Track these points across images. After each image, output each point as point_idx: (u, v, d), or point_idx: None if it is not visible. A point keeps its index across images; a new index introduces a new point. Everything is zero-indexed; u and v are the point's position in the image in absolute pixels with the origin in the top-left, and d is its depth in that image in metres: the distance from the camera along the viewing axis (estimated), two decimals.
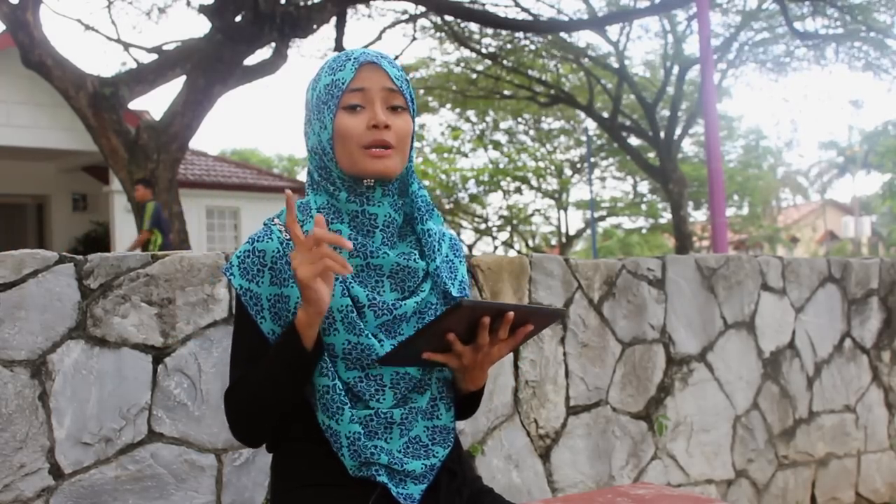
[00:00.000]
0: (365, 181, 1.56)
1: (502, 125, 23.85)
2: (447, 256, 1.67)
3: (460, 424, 2.80)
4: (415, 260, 1.59)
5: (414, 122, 1.62)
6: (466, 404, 1.69)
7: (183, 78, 8.44)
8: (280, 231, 1.58)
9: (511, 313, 1.49)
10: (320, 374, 1.54)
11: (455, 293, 1.63)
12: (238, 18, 8.39)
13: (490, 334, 1.50)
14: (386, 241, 1.58)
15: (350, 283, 1.54)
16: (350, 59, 1.57)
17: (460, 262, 1.69)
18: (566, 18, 14.71)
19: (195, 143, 13.51)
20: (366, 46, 12.44)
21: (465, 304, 1.43)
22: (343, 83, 1.55)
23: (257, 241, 1.58)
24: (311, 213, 1.59)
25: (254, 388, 1.55)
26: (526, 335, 1.55)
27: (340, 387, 1.54)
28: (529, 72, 17.68)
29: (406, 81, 1.60)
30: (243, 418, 1.59)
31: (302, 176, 29.33)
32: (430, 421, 1.61)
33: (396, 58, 14.36)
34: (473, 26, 15.16)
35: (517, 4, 13.86)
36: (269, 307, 1.56)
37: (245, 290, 1.56)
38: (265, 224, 1.61)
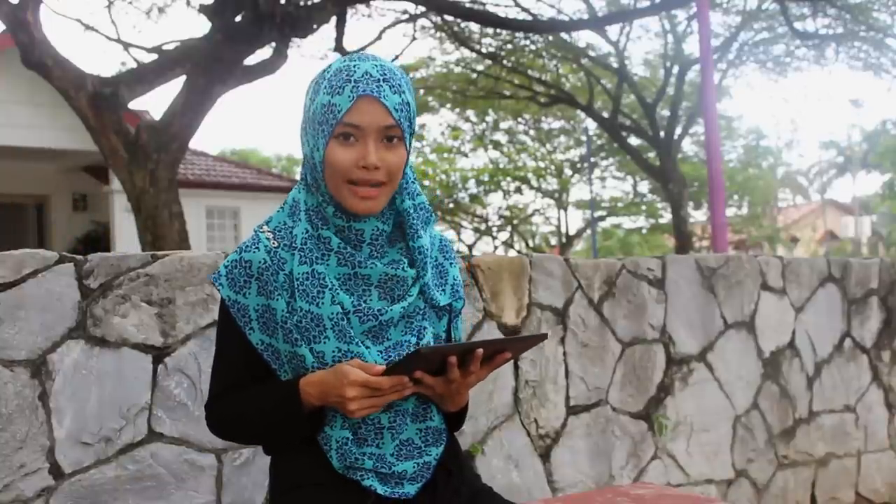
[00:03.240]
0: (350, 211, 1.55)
1: (502, 125, 23.81)
2: (436, 261, 1.66)
3: None
4: (403, 268, 1.58)
5: (410, 146, 1.57)
6: (450, 420, 1.68)
7: (183, 78, 8.43)
8: (268, 239, 1.57)
9: (480, 350, 1.48)
10: None
11: (443, 302, 1.62)
12: (238, 18, 8.38)
13: (460, 368, 1.50)
14: (374, 254, 1.57)
15: (336, 290, 1.53)
16: (350, 83, 1.50)
17: (451, 264, 1.68)
18: (566, 18, 14.68)
19: (195, 143, 13.49)
20: (365, 47, 12.39)
21: (423, 351, 1.44)
22: (339, 111, 1.49)
23: (245, 250, 1.57)
24: (300, 215, 1.58)
25: (244, 418, 1.59)
26: (504, 361, 1.54)
27: None
28: (529, 72, 17.66)
29: (406, 106, 1.53)
30: (228, 432, 1.66)
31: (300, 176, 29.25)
32: (422, 423, 1.61)
33: (396, 57, 14.35)
34: (473, 26, 15.13)
35: (517, 4, 13.84)
36: (257, 318, 1.56)
37: (233, 301, 1.56)
38: (254, 231, 1.60)
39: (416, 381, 1.50)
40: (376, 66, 1.52)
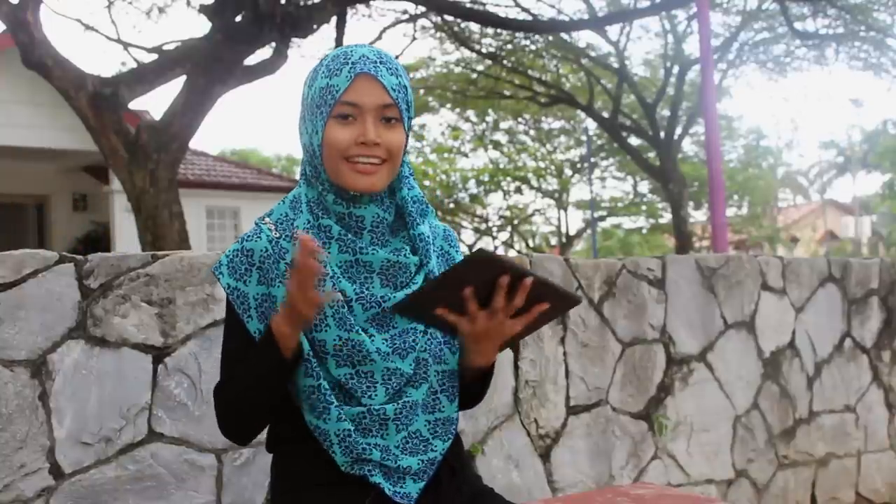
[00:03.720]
0: (351, 191, 1.55)
1: (502, 125, 23.81)
2: (442, 249, 1.66)
3: (460, 424, 2.80)
4: (406, 255, 1.58)
5: (408, 129, 1.58)
6: (472, 391, 1.66)
7: (183, 78, 8.43)
8: (270, 230, 1.57)
9: (529, 279, 1.43)
10: (305, 375, 1.54)
11: None
12: (238, 18, 8.37)
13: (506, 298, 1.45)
14: (375, 241, 1.57)
15: (338, 277, 1.53)
16: (347, 65, 1.52)
17: (456, 251, 1.68)
18: (566, 18, 14.68)
19: (195, 143, 13.48)
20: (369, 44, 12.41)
21: (485, 254, 1.39)
22: (337, 91, 1.51)
23: (246, 240, 1.58)
24: (302, 206, 1.58)
25: (239, 389, 1.56)
26: (541, 314, 1.49)
27: (326, 386, 1.53)
28: (529, 72, 17.66)
29: (404, 89, 1.55)
30: (231, 416, 1.60)
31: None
32: (430, 414, 1.60)
33: (396, 57, 14.32)
34: (473, 26, 15.13)
35: (517, 4, 13.84)
36: (256, 307, 1.56)
37: (233, 289, 1.56)
38: (255, 223, 1.61)
39: (458, 308, 1.44)
40: (373, 50, 1.57)
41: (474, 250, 1.44)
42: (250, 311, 1.56)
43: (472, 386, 1.65)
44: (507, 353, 3.08)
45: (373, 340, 1.53)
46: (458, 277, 1.42)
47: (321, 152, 1.54)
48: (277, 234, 1.57)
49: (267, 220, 1.60)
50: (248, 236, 1.58)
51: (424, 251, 1.60)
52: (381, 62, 1.54)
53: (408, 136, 1.58)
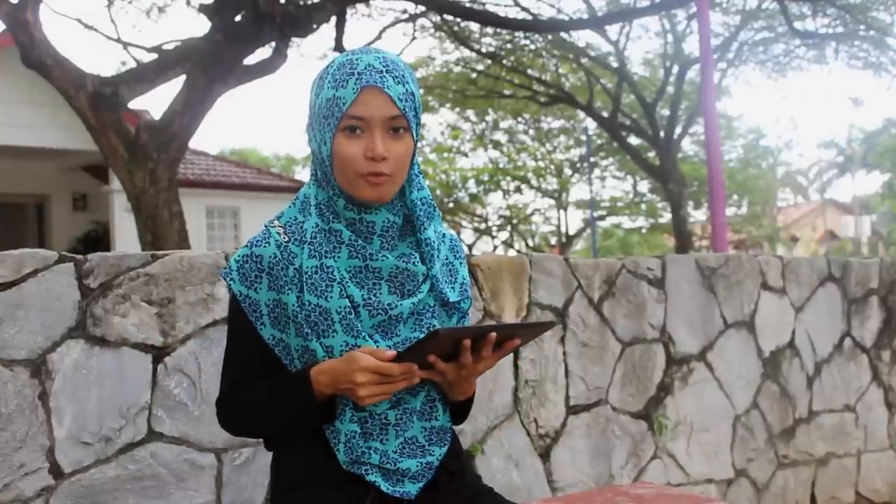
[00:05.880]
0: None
1: (502, 125, 23.81)
2: (446, 259, 1.66)
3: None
4: (414, 263, 1.58)
5: (417, 136, 1.57)
6: (456, 411, 1.69)
7: (183, 78, 8.43)
8: (279, 234, 1.58)
9: (493, 334, 1.49)
10: None
11: (454, 298, 1.62)
12: (238, 18, 8.38)
13: (473, 353, 1.50)
14: (385, 246, 1.57)
15: (347, 283, 1.54)
16: (353, 76, 1.50)
17: (460, 263, 1.68)
18: (566, 18, 14.68)
19: (195, 143, 13.48)
20: (369, 44, 12.42)
21: (442, 332, 1.44)
22: (344, 104, 1.50)
23: (255, 245, 1.58)
24: (311, 209, 1.58)
25: (256, 410, 1.58)
26: (513, 347, 1.55)
27: None
28: (529, 71, 17.66)
29: (411, 96, 1.54)
30: (239, 428, 1.66)
31: (300, 175, 29.32)
32: (427, 422, 1.61)
33: (399, 54, 14.30)
34: (473, 26, 15.13)
35: (517, 4, 13.83)
36: (269, 313, 1.56)
37: (244, 296, 1.57)
38: (265, 226, 1.61)
39: (428, 366, 1.50)
40: (379, 58, 1.54)
41: (432, 330, 1.50)
42: (263, 319, 1.57)
43: (453, 409, 1.68)
44: None
45: (378, 347, 1.54)
46: (421, 350, 1.47)
47: (331, 162, 1.55)
48: (286, 238, 1.57)
49: (276, 223, 1.60)
50: (257, 241, 1.58)
51: (429, 256, 1.60)
52: (387, 71, 1.51)
53: (416, 140, 1.57)
